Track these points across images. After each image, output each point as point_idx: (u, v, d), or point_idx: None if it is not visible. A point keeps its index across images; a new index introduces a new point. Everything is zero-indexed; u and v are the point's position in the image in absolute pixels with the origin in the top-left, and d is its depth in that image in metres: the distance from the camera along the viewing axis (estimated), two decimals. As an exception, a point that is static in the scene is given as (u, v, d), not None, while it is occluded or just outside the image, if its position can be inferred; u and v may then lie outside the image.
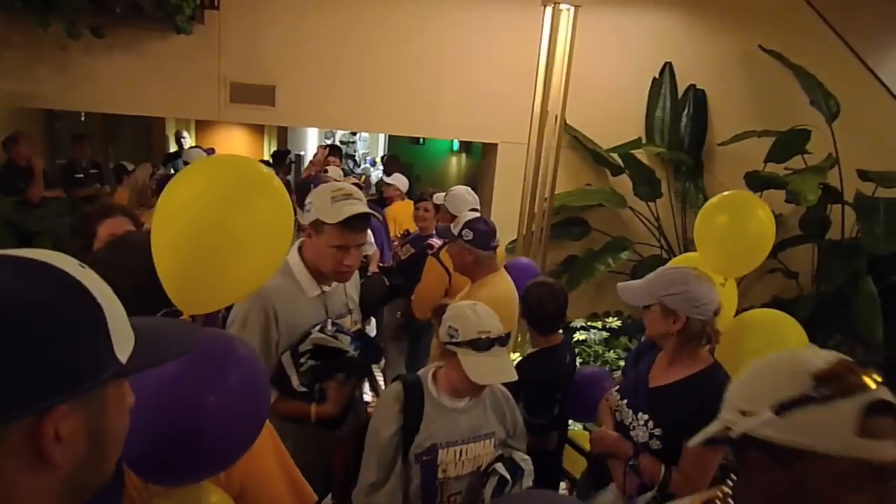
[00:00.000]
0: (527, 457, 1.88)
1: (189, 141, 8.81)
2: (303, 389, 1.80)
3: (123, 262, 1.25)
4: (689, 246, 4.78)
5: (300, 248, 1.89)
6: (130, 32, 4.38)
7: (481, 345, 1.64)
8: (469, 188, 3.63)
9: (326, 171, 4.76)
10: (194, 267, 1.29)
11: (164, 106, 4.82)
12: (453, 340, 1.67)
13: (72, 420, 0.58)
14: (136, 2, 4.17)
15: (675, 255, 4.73)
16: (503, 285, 2.65)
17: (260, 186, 1.45)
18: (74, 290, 0.60)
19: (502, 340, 1.70)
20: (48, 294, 0.58)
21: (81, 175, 5.72)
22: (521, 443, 1.94)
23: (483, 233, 2.58)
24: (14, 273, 0.58)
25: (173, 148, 8.54)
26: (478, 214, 2.77)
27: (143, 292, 1.19)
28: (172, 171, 5.33)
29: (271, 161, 8.35)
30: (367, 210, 1.81)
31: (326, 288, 1.92)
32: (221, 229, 1.34)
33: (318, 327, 1.82)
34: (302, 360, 1.78)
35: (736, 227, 2.35)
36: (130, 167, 5.25)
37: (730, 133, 4.70)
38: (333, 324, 1.87)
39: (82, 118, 7.41)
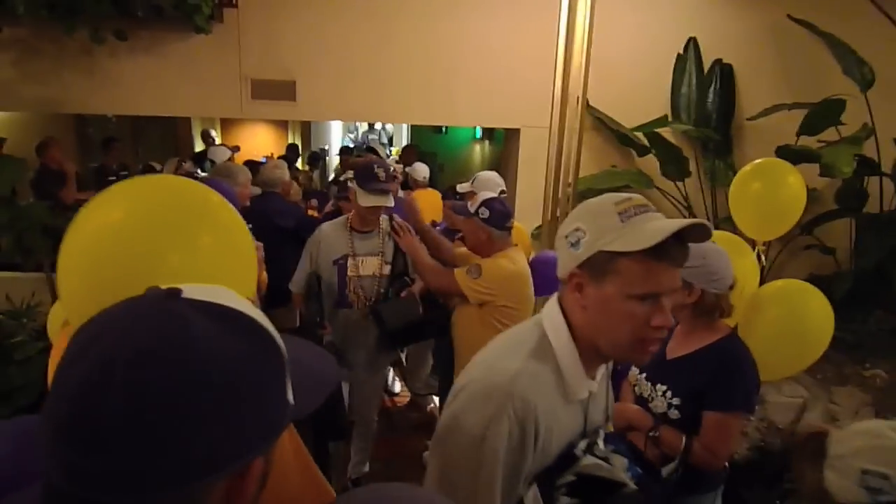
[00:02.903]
0: None
1: (217, 139, 8.96)
2: None
3: None
4: (719, 225, 4.67)
5: (566, 314, 1.15)
6: (152, 34, 4.44)
7: None
8: (495, 172, 3.62)
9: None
10: None
11: (188, 105, 4.88)
12: None
13: (259, 466, 0.59)
14: (156, 4, 4.22)
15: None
16: (522, 261, 2.72)
17: (204, 216, 1.04)
18: (266, 339, 0.61)
19: None
20: (249, 348, 0.58)
21: (114, 178, 5.87)
22: None
23: (500, 212, 2.61)
24: (213, 327, 0.57)
25: (200, 146, 8.67)
26: (494, 194, 2.79)
27: None
28: (199, 171, 5.41)
29: (308, 162, 8.50)
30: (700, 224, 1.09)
31: (595, 385, 1.20)
32: (148, 276, 0.87)
33: (582, 446, 1.16)
34: (555, 493, 1.13)
35: (768, 191, 2.45)
36: (158, 167, 5.35)
37: (759, 107, 4.56)
38: (608, 438, 1.22)
39: (112, 121, 7.57)
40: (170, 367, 0.53)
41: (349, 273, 2.90)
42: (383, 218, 2.98)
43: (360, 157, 5.87)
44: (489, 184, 3.45)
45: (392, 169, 3.00)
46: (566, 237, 1.12)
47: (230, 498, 0.58)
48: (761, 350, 1.92)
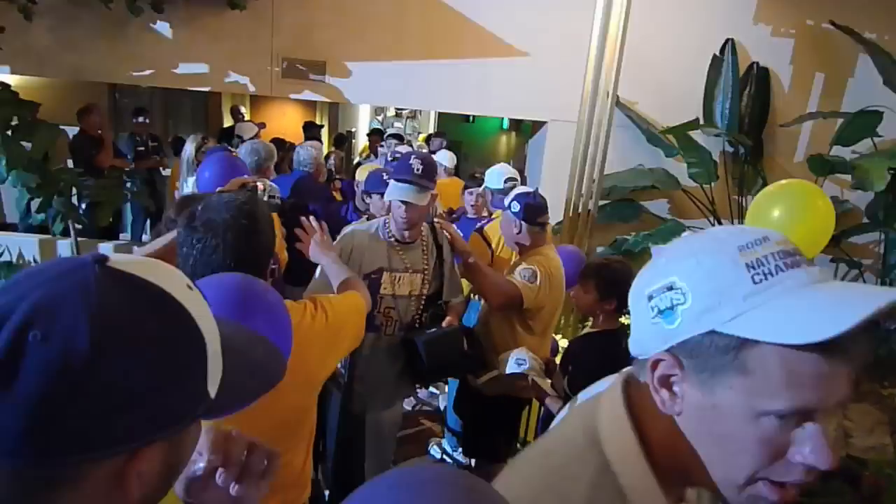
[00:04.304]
0: None
1: (246, 115, 9.01)
2: None
3: (221, 216, 1.33)
4: (744, 231, 4.61)
5: (637, 417, 0.72)
6: (187, 8, 4.47)
7: None
8: (504, 164, 3.60)
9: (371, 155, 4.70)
10: None
11: (220, 80, 4.91)
12: None
13: (156, 456, 0.56)
14: (192, -23, 4.25)
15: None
16: (556, 259, 2.68)
17: None
18: (185, 323, 0.58)
19: None
20: (159, 328, 0.55)
21: (143, 148, 5.95)
22: None
23: (530, 206, 2.58)
24: (131, 299, 0.54)
25: (228, 122, 8.74)
26: (528, 188, 2.76)
27: (238, 244, 1.31)
28: (226, 146, 5.46)
29: (334, 143, 8.53)
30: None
31: None
32: None
33: None
34: None
35: (791, 218, 2.29)
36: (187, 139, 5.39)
37: (794, 114, 4.47)
38: None
39: (146, 91, 7.64)
40: (58, 328, 0.50)
41: (382, 291, 2.44)
42: (425, 227, 2.56)
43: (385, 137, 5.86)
44: (493, 176, 3.47)
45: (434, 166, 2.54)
46: (649, 297, 0.69)
47: (118, 485, 0.54)
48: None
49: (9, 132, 3.74)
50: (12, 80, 4.10)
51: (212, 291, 0.71)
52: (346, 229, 2.53)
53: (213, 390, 0.60)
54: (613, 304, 2.29)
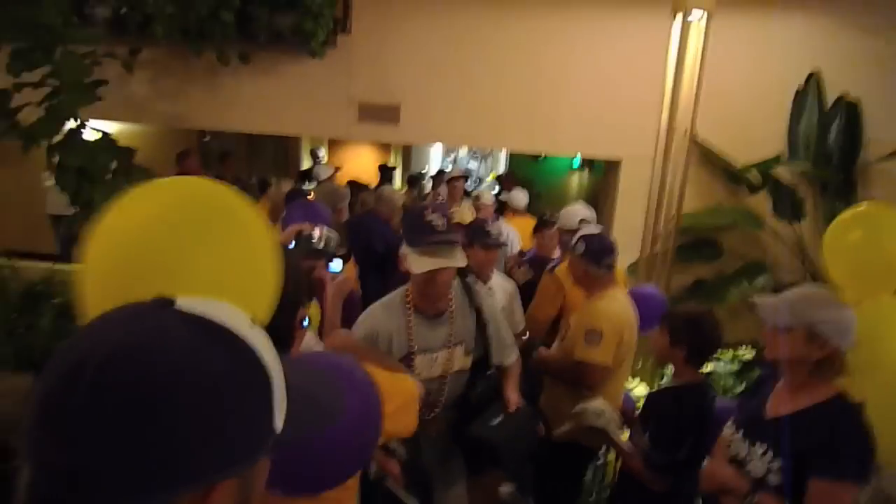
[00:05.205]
0: None
1: (324, 157, 9.36)
2: None
3: None
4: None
5: None
6: (271, 57, 4.72)
7: None
8: (579, 205, 3.55)
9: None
10: None
11: (300, 125, 5.13)
12: None
13: (229, 493, 0.57)
14: (277, 29, 4.50)
15: (820, 283, 4.30)
16: (622, 299, 2.60)
17: (228, 214, 1.01)
18: (251, 360, 0.59)
19: None
20: (229, 365, 0.56)
21: (228, 190, 6.28)
22: None
23: (596, 248, 2.53)
24: (195, 339, 0.56)
25: (307, 164, 9.08)
26: (597, 229, 2.70)
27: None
28: (303, 187, 5.67)
29: (407, 184, 8.71)
30: None
31: None
32: (171, 276, 0.89)
33: None
34: None
35: (869, 243, 2.16)
36: (273, 181, 5.66)
37: (890, 148, 4.20)
38: None
39: (231, 136, 8.10)
40: (136, 372, 0.52)
41: (416, 376, 2.00)
42: (456, 288, 2.16)
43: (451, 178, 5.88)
44: (568, 216, 3.41)
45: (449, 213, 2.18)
46: None
47: None
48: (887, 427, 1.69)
49: (108, 177, 4.01)
50: (110, 127, 4.41)
51: (304, 368, 0.72)
52: (367, 311, 2.14)
53: (279, 424, 0.61)
54: (685, 352, 2.16)
